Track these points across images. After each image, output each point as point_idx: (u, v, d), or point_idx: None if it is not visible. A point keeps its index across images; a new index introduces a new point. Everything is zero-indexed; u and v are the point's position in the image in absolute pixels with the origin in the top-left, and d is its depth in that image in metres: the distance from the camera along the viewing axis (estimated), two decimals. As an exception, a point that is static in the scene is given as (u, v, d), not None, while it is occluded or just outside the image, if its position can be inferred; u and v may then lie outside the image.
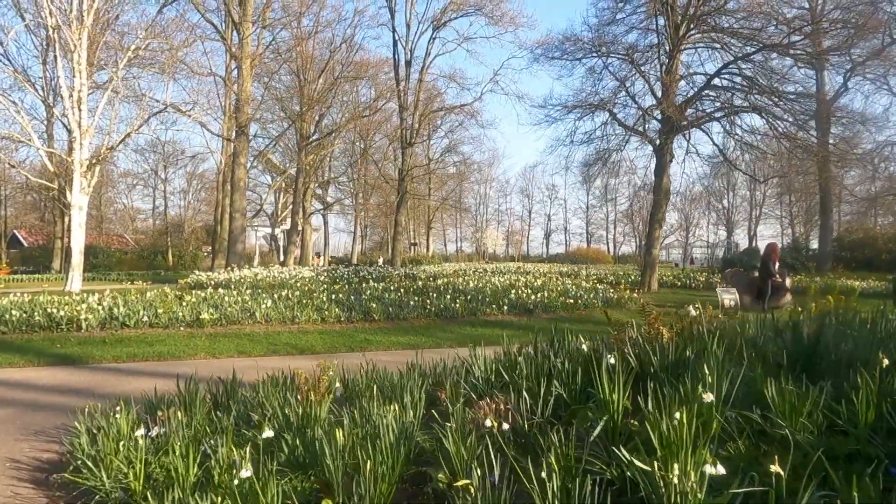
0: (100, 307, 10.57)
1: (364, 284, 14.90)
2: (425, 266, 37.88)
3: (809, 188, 47.75)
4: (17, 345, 9.25)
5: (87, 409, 4.21)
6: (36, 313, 10.35)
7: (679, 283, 23.57)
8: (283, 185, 45.97)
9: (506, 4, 32.45)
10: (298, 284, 20.96)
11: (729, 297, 14.09)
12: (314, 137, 36.02)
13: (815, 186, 41.35)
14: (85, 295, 11.56)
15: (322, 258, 58.25)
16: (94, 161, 17.14)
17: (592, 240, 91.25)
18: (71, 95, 16.38)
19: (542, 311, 13.59)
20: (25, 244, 43.92)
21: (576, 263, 57.54)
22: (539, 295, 14.08)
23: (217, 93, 34.48)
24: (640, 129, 21.93)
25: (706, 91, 20.74)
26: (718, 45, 21.51)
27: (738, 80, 19.94)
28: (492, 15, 32.63)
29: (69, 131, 16.67)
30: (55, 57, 16.19)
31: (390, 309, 12.17)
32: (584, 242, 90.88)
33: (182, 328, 10.47)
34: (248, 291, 13.03)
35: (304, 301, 12.09)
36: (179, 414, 3.82)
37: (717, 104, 21.26)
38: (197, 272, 22.72)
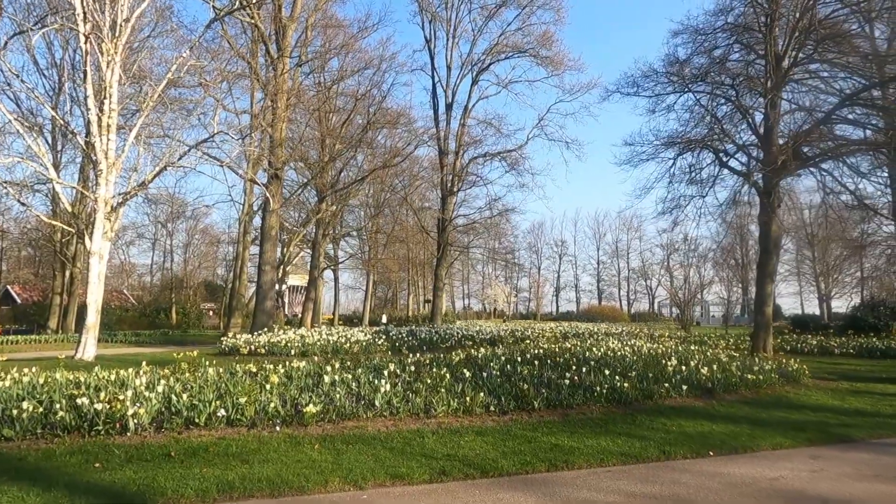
0: (152, 395, 7.16)
1: (476, 353, 11.53)
2: (459, 324, 34.49)
3: (831, 240, 45.01)
4: (30, 464, 5.79)
5: None
6: (56, 404, 6.93)
7: (788, 348, 20.34)
8: (294, 237, 43.05)
9: (556, 45, 30.31)
10: (355, 349, 17.57)
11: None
12: (336, 187, 33.18)
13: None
14: (125, 374, 8.16)
15: (332, 316, 54.55)
16: (121, 200, 14.01)
17: (603, 297, 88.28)
18: (99, 121, 13.43)
19: (722, 390, 10.31)
20: (19, 300, 40.02)
21: (591, 321, 54.18)
22: (706, 369, 10.80)
23: (241, 135, 31.88)
24: (745, 169, 19.23)
25: (822, 125, 18.18)
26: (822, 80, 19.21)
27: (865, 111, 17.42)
28: (538, 55, 30.63)
29: (94, 164, 13.61)
30: (84, 73, 13.29)
31: (544, 391, 8.83)
32: (594, 300, 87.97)
33: (278, 427, 7.04)
34: (336, 365, 9.65)
35: (429, 382, 8.73)
36: None
37: (830, 143, 18.67)
38: (232, 334, 19.26)
